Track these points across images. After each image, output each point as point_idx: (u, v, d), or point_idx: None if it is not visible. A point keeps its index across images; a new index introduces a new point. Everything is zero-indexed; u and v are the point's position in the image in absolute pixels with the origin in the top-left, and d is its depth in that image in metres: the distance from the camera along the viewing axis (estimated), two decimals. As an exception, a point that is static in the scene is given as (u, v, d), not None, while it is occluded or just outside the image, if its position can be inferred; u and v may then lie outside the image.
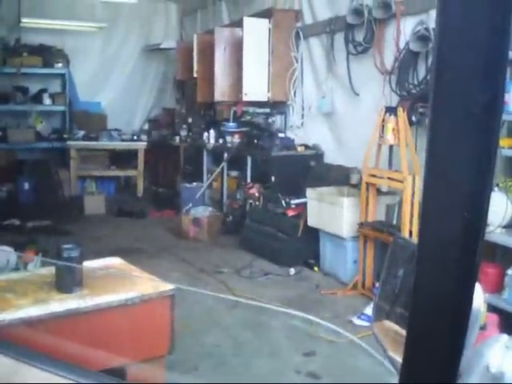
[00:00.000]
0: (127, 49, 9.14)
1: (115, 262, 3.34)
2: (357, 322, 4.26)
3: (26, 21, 8.16)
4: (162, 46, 8.81)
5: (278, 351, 3.90)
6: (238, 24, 6.94)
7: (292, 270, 5.18)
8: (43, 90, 8.52)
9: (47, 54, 8.45)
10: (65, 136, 8.24)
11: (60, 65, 8.51)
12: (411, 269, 1.20)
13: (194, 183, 7.11)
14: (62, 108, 8.52)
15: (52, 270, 2.91)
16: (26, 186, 7.77)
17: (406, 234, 4.46)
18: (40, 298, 2.73)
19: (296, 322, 4.30)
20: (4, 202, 7.52)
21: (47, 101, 8.46)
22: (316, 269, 5.24)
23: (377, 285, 4.43)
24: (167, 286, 2.96)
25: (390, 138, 4.70)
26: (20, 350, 1.06)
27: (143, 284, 2.98)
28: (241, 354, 3.80)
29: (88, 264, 3.09)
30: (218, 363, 3.68)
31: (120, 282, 2.99)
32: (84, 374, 0.97)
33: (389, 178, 4.77)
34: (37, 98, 8.46)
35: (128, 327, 2.74)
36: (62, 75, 8.59)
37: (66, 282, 2.80)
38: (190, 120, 8.19)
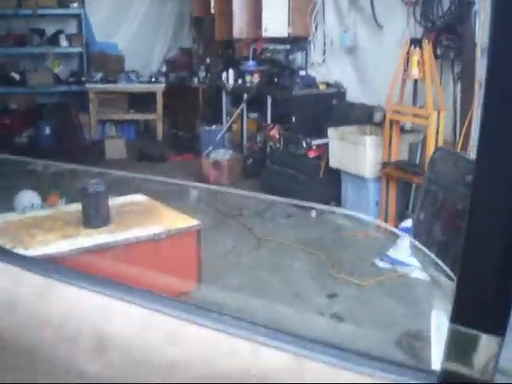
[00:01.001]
0: (142, -14, 8.84)
1: (140, 198, 3.35)
2: (380, 264, 4.21)
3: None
4: (178, -18, 8.50)
5: (300, 293, 3.89)
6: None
7: (313, 212, 5.11)
8: (60, 32, 8.34)
9: (62, -6, 8.23)
10: (83, 79, 8.12)
11: (75, 5, 8.28)
12: (454, 182, 1.13)
13: (214, 126, 6.99)
14: (79, 49, 8.36)
15: (78, 207, 2.92)
16: (47, 130, 7.76)
17: (430, 174, 4.33)
18: (68, 234, 2.76)
19: (318, 264, 4.29)
20: (26, 147, 7.55)
21: (64, 42, 8.29)
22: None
23: (400, 225, 4.36)
24: (193, 221, 2.95)
25: (414, 71, 4.52)
26: (51, 268, 1.03)
27: (169, 219, 3.00)
28: (264, 296, 3.80)
29: (114, 200, 3.08)
30: (240, 304, 3.69)
31: (146, 217, 3.01)
32: (119, 287, 0.94)
33: (413, 115, 4.62)
34: (53, 40, 8.30)
35: (156, 261, 2.77)
36: (78, 15, 8.38)
37: (93, 217, 2.83)
38: (208, 60, 7.96)
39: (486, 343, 0.61)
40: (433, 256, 1.09)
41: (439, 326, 1.16)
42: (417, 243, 1.22)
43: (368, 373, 0.70)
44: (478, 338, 0.61)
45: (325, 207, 4.81)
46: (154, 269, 2.67)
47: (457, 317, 0.63)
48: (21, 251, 2.31)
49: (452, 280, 0.90)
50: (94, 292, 0.91)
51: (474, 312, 0.62)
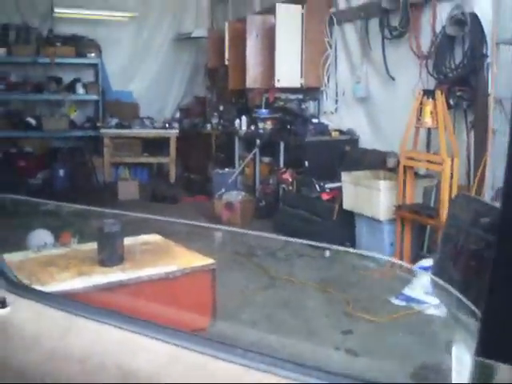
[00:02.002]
0: (158, 38, 9.21)
1: (154, 238, 3.37)
2: (395, 301, 4.25)
3: (58, 11, 8.25)
4: (193, 35, 8.86)
5: (315, 329, 3.91)
6: (270, 11, 6.94)
7: (327, 252, 5.18)
8: (77, 80, 8.65)
9: (80, 44, 8.57)
10: (98, 124, 8.35)
11: (93, 54, 8.62)
12: (475, 225, 1.18)
13: (226, 169, 7.15)
14: (95, 97, 8.64)
15: (93, 245, 2.95)
16: (61, 173, 7.90)
17: (444, 216, 4.44)
18: (82, 272, 2.76)
19: (333, 302, 4.32)
20: (40, 189, 7.65)
21: (80, 90, 8.59)
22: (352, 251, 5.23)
23: (415, 265, 4.42)
24: (208, 260, 2.97)
25: (428, 120, 4.67)
26: (73, 304, 1.07)
27: (184, 258, 3.00)
28: (277, 332, 3.82)
29: (128, 240, 3.11)
30: (255, 340, 3.70)
31: (160, 257, 3.02)
32: (141, 324, 0.95)
33: (427, 161, 4.75)
34: (70, 88, 8.59)
35: (170, 300, 2.76)
36: (95, 65, 8.71)
37: (108, 256, 2.84)
38: (221, 108, 8.22)
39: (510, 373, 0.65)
40: (454, 291, 1.13)
41: (460, 358, 1.20)
42: (438, 280, 1.28)
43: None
44: (503, 369, 0.65)
45: (342, 248, 4.86)
46: (168, 307, 2.69)
47: (482, 350, 0.66)
48: (37, 288, 2.34)
49: (473, 316, 0.94)
50: (116, 327, 0.92)
51: (498, 345, 0.65)
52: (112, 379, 0.86)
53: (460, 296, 1.10)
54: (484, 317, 0.67)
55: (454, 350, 1.25)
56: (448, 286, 1.18)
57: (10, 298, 1.04)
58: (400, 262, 4.53)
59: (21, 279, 2.53)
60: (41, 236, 5.07)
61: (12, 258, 2.84)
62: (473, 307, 0.99)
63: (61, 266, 2.87)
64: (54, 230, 5.40)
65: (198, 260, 3.05)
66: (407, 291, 4.27)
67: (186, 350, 0.84)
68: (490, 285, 0.66)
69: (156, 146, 8.23)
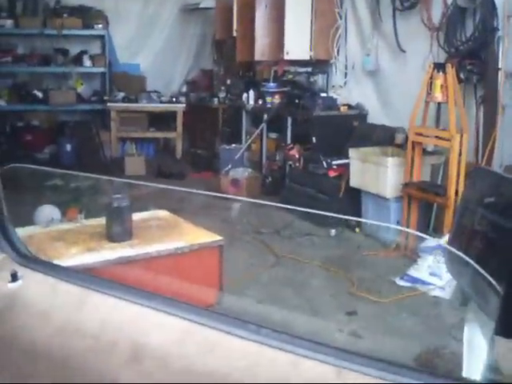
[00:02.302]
0: (166, 9, 9.02)
1: (162, 214, 3.36)
2: (400, 282, 4.19)
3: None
4: (201, 6, 8.67)
5: (319, 309, 3.87)
6: (280, -19, 6.74)
7: (333, 231, 5.11)
8: (83, 52, 8.52)
9: (87, 15, 8.41)
10: (105, 98, 8.25)
11: (100, 26, 8.46)
12: (492, 198, 1.12)
13: (233, 145, 7.05)
14: (101, 70, 8.51)
15: (101, 221, 2.94)
16: (68, 147, 7.87)
17: (452, 195, 4.33)
18: (91, 247, 2.76)
19: (338, 281, 4.27)
20: (47, 164, 7.63)
21: (87, 62, 8.46)
22: (357, 230, 5.15)
23: (421, 245, 4.34)
24: (216, 236, 2.95)
25: (438, 95, 4.55)
26: (87, 278, 1.05)
27: (191, 234, 3.00)
28: (282, 311, 3.78)
29: (137, 215, 3.10)
30: (259, 319, 3.66)
31: (168, 233, 3.02)
32: (155, 299, 0.94)
33: (436, 137, 4.63)
34: (77, 60, 8.47)
35: (178, 275, 2.75)
36: (102, 37, 8.56)
37: (116, 231, 2.84)
38: (228, 81, 8.07)
39: None
40: (473, 263, 1.08)
41: (471, 339, 1.17)
42: (457, 252, 1.22)
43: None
44: None
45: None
46: (176, 283, 2.67)
47: (502, 329, 0.64)
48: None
49: (494, 291, 0.91)
50: (129, 302, 0.91)
51: None
52: (125, 355, 0.85)
53: (477, 267, 1.05)
54: (505, 294, 0.65)
55: (465, 330, 1.23)
56: (465, 256, 1.13)
57: (22, 271, 1.03)
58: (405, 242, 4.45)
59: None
60: (48, 211, 5.07)
61: (20, 233, 2.86)
62: (490, 278, 0.96)
63: (69, 241, 2.89)
64: (60, 205, 5.41)
65: (206, 236, 3.05)
66: (412, 272, 4.21)
67: (199, 326, 0.84)
68: None
69: (163, 120, 8.14)
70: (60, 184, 6.91)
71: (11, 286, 1.01)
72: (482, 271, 1.04)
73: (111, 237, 2.85)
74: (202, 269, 2.97)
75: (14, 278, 1.02)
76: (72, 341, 0.91)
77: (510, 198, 1.08)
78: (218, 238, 3.03)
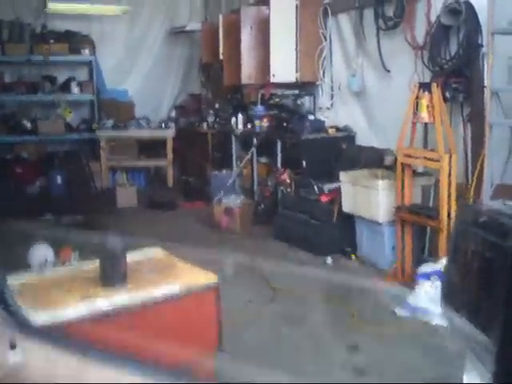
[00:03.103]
0: (152, 32, 9.03)
1: (157, 253, 3.30)
2: (400, 312, 4.13)
3: (51, 6, 7.98)
4: (186, 29, 8.67)
5: (320, 345, 3.80)
6: (265, 2, 6.75)
7: (329, 259, 5.06)
8: (71, 79, 8.47)
9: (74, 41, 8.37)
10: (94, 126, 8.21)
11: (87, 51, 8.44)
12: (484, 241, 1.10)
13: (224, 170, 7.02)
14: (89, 97, 8.48)
15: (95, 263, 2.90)
16: (59, 179, 7.79)
17: (445, 217, 4.29)
18: (86, 295, 2.72)
19: (337, 313, 4.21)
20: (37, 197, 7.58)
21: (75, 89, 8.39)
22: (353, 256, 5.10)
23: (417, 271, 4.29)
24: (212, 277, 2.90)
25: (424, 115, 4.52)
26: (87, 348, 1.03)
27: (187, 276, 2.95)
28: (284, 350, 3.71)
29: (130, 256, 3.05)
30: (262, 360, 3.58)
31: (164, 274, 2.96)
32: (153, 371, 0.94)
33: (425, 158, 4.60)
34: (65, 87, 8.42)
35: (175, 320, 2.71)
36: (89, 62, 8.53)
37: (111, 275, 2.79)
38: (216, 105, 8.06)
39: None
40: (467, 323, 1.08)
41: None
42: (450, 312, 1.22)
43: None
44: None
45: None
46: (174, 328, 2.65)
47: (499, 379, 0.63)
48: (42, 314, 2.34)
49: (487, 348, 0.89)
50: (131, 375, 0.90)
51: None
52: None
53: (473, 328, 1.05)
54: (500, 346, 0.67)
55: (465, 378, 1.24)
56: (459, 317, 1.15)
57: (21, 341, 1.01)
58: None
59: (26, 304, 2.50)
60: (41, 251, 5.01)
61: (14, 280, 2.78)
62: (482, 335, 0.96)
63: (64, 289, 2.84)
64: (54, 242, 5.35)
65: (203, 277, 2.97)
66: (411, 300, 4.15)
67: None
68: (506, 312, 0.66)
69: (153, 147, 8.10)
70: (51, 219, 6.86)
71: (9, 355, 1.00)
72: (476, 330, 1.02)
73: (106, 282, 2.81)
74: (199, 311, 2.92)
75: (14, 347, 1.00)
76: None
77: (498, 235, 1.08)
78: (214, 278, 2.97)
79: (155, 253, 3.30)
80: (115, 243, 2.79)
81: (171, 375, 0.94)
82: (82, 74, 8.71)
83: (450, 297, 1.35)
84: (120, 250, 2.80)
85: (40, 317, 2.30)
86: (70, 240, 5.54)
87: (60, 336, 1.46)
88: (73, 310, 2.55)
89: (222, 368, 2.67)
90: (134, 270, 2.92)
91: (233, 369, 2.85)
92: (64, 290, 2.78)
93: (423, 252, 4.78)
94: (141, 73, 8.97)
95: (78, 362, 0.95)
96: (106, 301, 2.66)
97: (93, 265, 2.94)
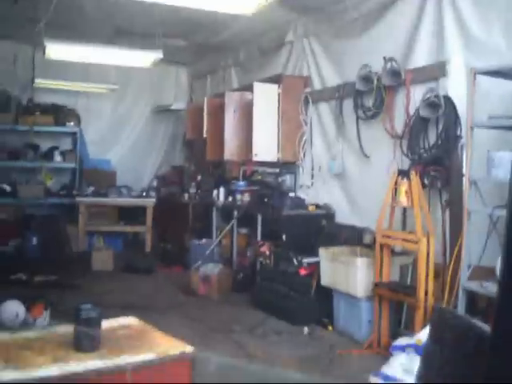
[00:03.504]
0: (138, 109, 9.43)
1: (131, 321, 3.34)
2: (373, 380, 4.23)
3: (39, 81, 8.37)
4: (172, 107, 9.08)
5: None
6: (248, 88, 7.18)
7: (306, 329, 5.17)
8: (54, 148, 8.72)
9: (59, 113, 8.70)
10: (74, 192, 8.35)
11: (72, 124, 8.74)
12: (456, 342, 1.20)
13: (204, 240, 7.17)
14: (72, 165, 8.69)
15: (69, 328, 2.92)
16: (34, 240, 7.80)
17: (422, 295, 4.51)
18: (58, 357, 2.73)
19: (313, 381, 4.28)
20: (11, 257, 7.53)
21: (58, 158, 8.63)
22: (330, 328, 5.24)
23: (393, 343, 4.44)
24: (186, 347, 2.95)
25: (403, 200, 4.79)
26: None
27: (162, 345, 2.97)
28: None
29: (105, 324, 3.09)
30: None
31: (138, 343, 2.98)
32: None
33: (403, 240, 4.85)
34: (48, 155, 8.64)
35: None
36: (74, 134, 8.81)
37: (85, 341, 2.81)
38: (199, 178, 8.34)
39: None
40: None
41: None
42: None
43: None
44: None
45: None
46: None
47: None
48: (12, 372, 2.36)
49: None
50: None
51: None
52: None
53: None
54: None
55: None
56: None
57: None
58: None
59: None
60: (13, 307, 4.97)
61: None
62: None
63: (36, 350, 2.82)
64: (25, 300, 5.31)
65: (176, 347, 3.01)
66: (385, 369, 4.27)
67: None
68: None
69: (132, 213, 8.24)
70: (24, 278, 6.79)
71: None
72: None
73: (79, 347, 2.83)
74: (172, 380, 2.94)
75: None
76: None
77: (470, 342, 1.14)
78: (190, 348, 3.02)
79: (130, 321, 3.36)
80: (90, 312, 2.86)
81: None
82: (65, 144, 8.96)
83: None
84: (95, 318, 2.86)
85: (9, 375, 2.34)
86: (42, 298, 5.54)
87: None
88: (44, 370, 2.57)
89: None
90: (108, 338, 2.96)
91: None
92: (36, 351, 2.79)
93: (399, 326, 4.95)
94: (124, 145, 9.28)
95: None
96: (78, 365, 2.67)
97: (66, 329, 2.99)
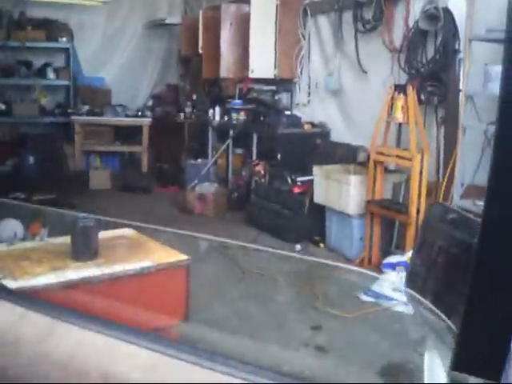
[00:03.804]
0: (131, 24, 9.07)
1: (128, 232, 3.36)
2: (363, 297, 4.30)
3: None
4: (166, 22, 8.75)
5: (285, 324, 3.96)
6: (245, 0, 6.88)
7: (298, 246, 5.23)
8: (47, 64, 8.47)
9: (51, 28, 8.38)
10: (69, 111, 8.22)
11: (64, 39, 8.45)
12: (451, 237, 1.19)
13: (199, 159, 7.13)
14: (65, 82, 8.48)
15: (67, 239, 2.93)
16: (31, 160, 7.76)
17: (413, 213, 4.51)
18: (56, 266, 2.75)
19: (302, 297, 4.38)
20: (9, 176, 7.53)
21: (51, 75, 8.41)
22: (322, 245, 5.29)
23: (384, 261, 4.50)
24: (182, 256, 2.99)
25: (398, 116, 4.72)
26: (55, 308, 1.07)
27: (158, 253, 3.01)
28: (248, 326, 3.85)
29: (102, 234, 3.11)
30: (226, 335, 3.72)
31: (135, 252, 3.02)
32: (123, 329, 0.96)
33: (397, 156, 4.81)
34: (41, 72, 8.42)
35: (144, 295, 2.77)
36: (66, 49, 8.54)
37: (82, 250, 2.83)
38: (194, 97, 8.17)
39: None
40: (430, 305, 1.16)
41: (431, 367, 1.21)
42: (413, 293, 1.30)
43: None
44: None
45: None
46: (142, 302, 2.69)
47: (458, 365, 0.68)
48: (10, 283, 2.35)
49: (447, 327, 0.97)
50: (97, 333, 0.93)
51: (475, 361, 0.67)
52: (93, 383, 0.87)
53: (433, 308, 1.12)
54: (461, 331, 0.68)
55: (426, 359, 1.28)
56: (423, 299, 1.20)
57: None
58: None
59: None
60: (11, 226, 5.03)
61: None
62: (448, 321, 1.02)
63: (33, 260, 2.86)
64: (23, 219, 5.36)
65: (173, 255, 3.05)
66: (376, 287, 4.33)
67: (167, 357, 0.86)
68: (468, 298, 0.67)
69: (128, 134, 8.15)
70: (22, 197, 6.83)
71: None
72: (439, 312, 1.11)
73: (77, 256, 2.85)
74: (168, 288, 2.98)
75: None
76: (42, 371, 0.92)
77: (465, 235, 1.14)
78: (185, 257, 3.05)
79: (127, 232, 3.37)
80: (87, 220, 2.85)
81: (129, 331, 0.96)
82: (58, 61, 8.70)
83: (414, 282, 1.36)
84: (91, 226, 2.85)
85: (7, 284, 2.33)
86: (40, 216, 5.59)
87: (30, 298, 1.49)
88: (42, 278, 2.58)
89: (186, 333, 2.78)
90: (106, 247, 2.97)
91: (197, 334, 2.96)
92: (34, 262, 2.81)
93: (391, 245, 5.00)
94: (118, 62, 9.00)
95: (47, 322, 0.97)
96: (76, 273, 2.69)
97: (64, 240, 2.99)
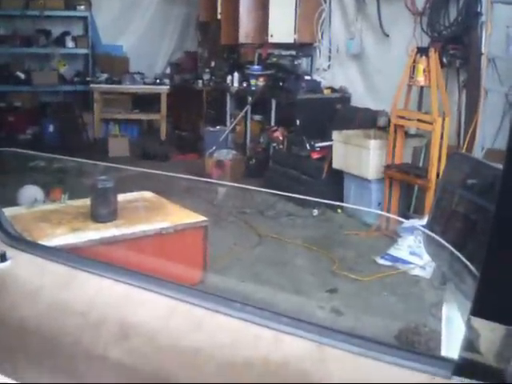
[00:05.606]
0: (149, -10, 8.96)
1: (147, 195, 3.37)
2: (380, 261, 4.28)
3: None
4: (184, -13, 8.62)
5: (301, 287, 3.95)
6: (264, -37, 6.73)
7: (315, 211, 5.18)
8: (66, 33, 8.44)
9: (70, -4, 8.34)
10: (88, 79, 8.21)
11: (82, 7, 8.40)
12: (470, 184, 1.15)
13: (218, 127, 7.07)
14: (84, 51, 8.46)
15: (86, 202, 2.94)
16: (51, 128, 7.82)
17: (433, 177, 4.43)
18: (76, 227, 2.76)
19: (319, 260, 4.36)
20: (29, 144, 7.59)
21: (70, 43, 8.39)
22: (339, 210, 5.24)
23: (401, 225, 4.43)
24: (200, 217, 2.98)
25: (420, 79, 4.62)
26: (75, 258, 1.07)
27: (176, 215, 3.02)
28: (265, 289, 3.85)
29: (121, 196, 3.11)
30: (242, 297, 3.72)
31: (153, 213, 3.03)
32: (142, 278, 0.96)
33: (418, 120, 4.71)
34: (59, 41, 8.40)
35: (162, 255, 2.79)
36: (85, 18, 8.49)
37: (101, 211, 2.84)
38: (212, 63, 8.06)
39: (506, 334, 0.64)
40: (450, 247, 1.11)
41: (449, 318, 1.20)
42: (434, 235, 1.24)
43: (387, 360, 0.73)
44: (498, 329, 0.64)
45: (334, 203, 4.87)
46: (161, 262, 2.70)
47: (478, 310, 0.66)
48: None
49: (470, 275, 0.94)
50: (117, 281, 0.93)
51: (495, 306, 0.65)
52: (113, 332, 0.87)
53: (454, 250, 1.08)
54: (482, 275, 0.67)
55: (444, 309, 1.26)
56: (442, 240, 1.15)
57: (11, 251, 1.04)
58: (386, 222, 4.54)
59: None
60: (31, 192, 5.07)
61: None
62: (469, 265, 0.98)
63: (54, 222, 2.89)
64: (44, 186, 5.41)
65: (191, 217, 3.06)
66: (393, 251, 4.30)
67: (185, 304, 0.86)
68: (489, 244, 0.65)
69: (146, 102, 8.11)
70: (43, 165, 6.89)
71: (0, 266, 1.02)
72: (459, 254, 1.07)
73: (96, 217, 2.87)
74: (186, 248, 3.00)
75: (3, 258, 1.03)
76: (61, 319, 0.92)
77: (486, 182, 1.12)
78: (203, 218, 3.05)
79: (147, 195, 3.37)
80: (106, 182, 2.84)
81: (148, 280, 0.95)
82: (77, 30, 8.66)
83: (434, 226, 1.35)
84: (110, 188, 2.85)
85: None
86: (60, 183, 5.62)
87: (49, 248, 1.50)
88: (62, 238, 2.59)
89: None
90: (125, 209, 2.99)
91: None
92: (54, 223, 2.83)
93: (409, 209, 4.93)
94: (136, 30, 8.91)
95: (66, 271, 0.98)
96: (96, 233, 2.70)
97: (84, 203, 3.00)
